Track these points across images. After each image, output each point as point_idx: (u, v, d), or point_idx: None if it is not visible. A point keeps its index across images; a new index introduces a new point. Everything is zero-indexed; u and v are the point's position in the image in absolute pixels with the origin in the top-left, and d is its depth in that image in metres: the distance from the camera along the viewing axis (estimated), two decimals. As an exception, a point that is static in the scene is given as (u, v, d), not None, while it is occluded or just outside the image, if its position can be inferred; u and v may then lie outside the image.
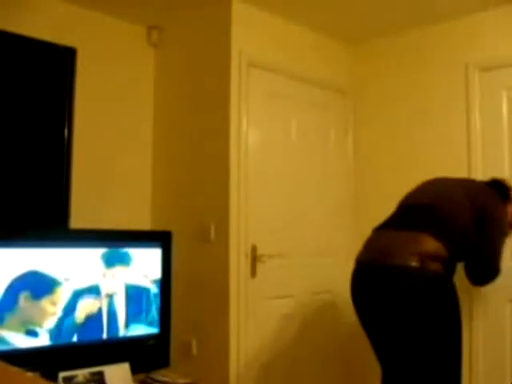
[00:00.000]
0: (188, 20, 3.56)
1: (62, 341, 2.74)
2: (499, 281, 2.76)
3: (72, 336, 2.79)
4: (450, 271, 2.54)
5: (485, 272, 2.70)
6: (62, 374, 2.65)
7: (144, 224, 3.63)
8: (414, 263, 2.43)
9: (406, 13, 3.45)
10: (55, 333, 2.72)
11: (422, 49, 3.67)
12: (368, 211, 3.86)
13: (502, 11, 3.30)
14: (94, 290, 2.87)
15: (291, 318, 3.51)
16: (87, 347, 2.83)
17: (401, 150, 3.73)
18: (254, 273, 3.32)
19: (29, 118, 3.21)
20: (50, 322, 2.71)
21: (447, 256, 2.48)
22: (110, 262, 2.93)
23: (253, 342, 3.29)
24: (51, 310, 2.72)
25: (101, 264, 2.90)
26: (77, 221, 3.28)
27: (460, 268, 2.70)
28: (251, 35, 3.40)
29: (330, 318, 3.75)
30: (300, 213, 3.63)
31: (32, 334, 2.65)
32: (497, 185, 2.77)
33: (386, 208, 3.74)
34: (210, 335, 3.28)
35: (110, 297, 2.92)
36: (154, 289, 3.09)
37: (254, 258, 3.32)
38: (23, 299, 2.63)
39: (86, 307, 2.83)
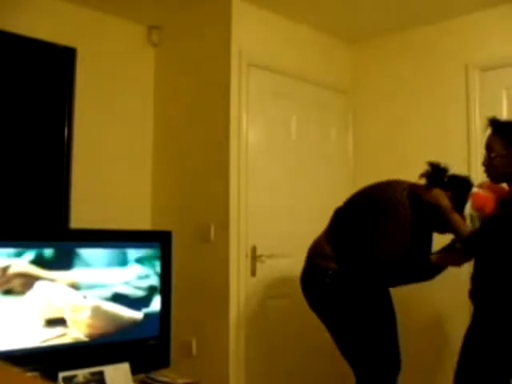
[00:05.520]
0: (188, 20, 3.56)
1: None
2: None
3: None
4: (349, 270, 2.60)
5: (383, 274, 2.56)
6: (61, 374, 2.64)
7: (144, 224, 3.63)
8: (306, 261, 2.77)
9: (406, 13, 3.46)
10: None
11: (421, 49, 3.67)
12: (368, 211, 3.86)
13: (502, 11, 3.30)
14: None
15: (291, 318, 3.51)
16: (87, 347, 2.82)
17: (401, 149, 3.72)
18: (253, 273, 3.32)
19: (29, 118, 3.21)
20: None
21: (334, 255, 2.62)
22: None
23: (253, 342, 3.29)
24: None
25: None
26: (77, 221, 3.28)
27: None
28: (251, 34, 3.39)
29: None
30: (300, 212, 3.62)
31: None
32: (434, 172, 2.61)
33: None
34: (210, 335, 3.28)
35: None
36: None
37: (254, 258, 3.32)
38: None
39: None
